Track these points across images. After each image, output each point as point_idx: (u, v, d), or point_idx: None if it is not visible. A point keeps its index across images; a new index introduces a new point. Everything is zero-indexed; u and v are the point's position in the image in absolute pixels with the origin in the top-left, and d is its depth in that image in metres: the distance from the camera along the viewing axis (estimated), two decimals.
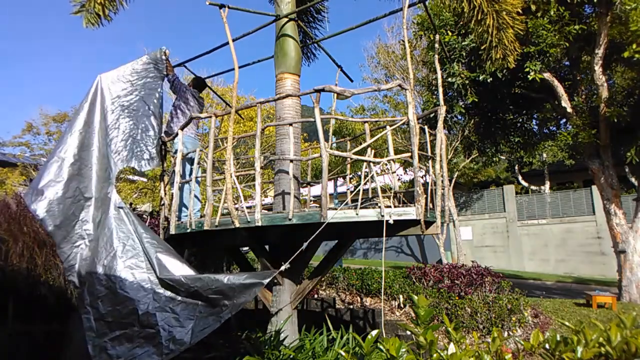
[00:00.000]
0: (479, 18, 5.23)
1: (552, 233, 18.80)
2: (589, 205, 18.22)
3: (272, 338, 4.16)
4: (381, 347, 1.93)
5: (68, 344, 4.19)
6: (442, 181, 4.21)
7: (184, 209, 5.12)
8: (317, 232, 3.48)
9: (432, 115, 8.56)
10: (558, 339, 2.07)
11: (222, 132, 14.31)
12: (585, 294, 9.17)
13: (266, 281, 3.07)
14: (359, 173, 6.27)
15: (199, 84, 5.81)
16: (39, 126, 18.25)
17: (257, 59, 6.70)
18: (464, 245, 18.79)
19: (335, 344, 4.30)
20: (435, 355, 1.88)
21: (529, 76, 8.87)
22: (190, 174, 5.09)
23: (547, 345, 2.09)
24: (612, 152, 9.80)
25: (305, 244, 3.55)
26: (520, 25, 5.40)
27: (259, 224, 3.83)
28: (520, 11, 5.43)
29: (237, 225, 3.87)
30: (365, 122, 5.30)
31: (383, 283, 8.58)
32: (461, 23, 8.85)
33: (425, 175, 4.59)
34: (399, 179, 16.35)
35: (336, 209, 3.77)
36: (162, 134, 4.98)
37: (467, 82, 9.42)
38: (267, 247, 5.15)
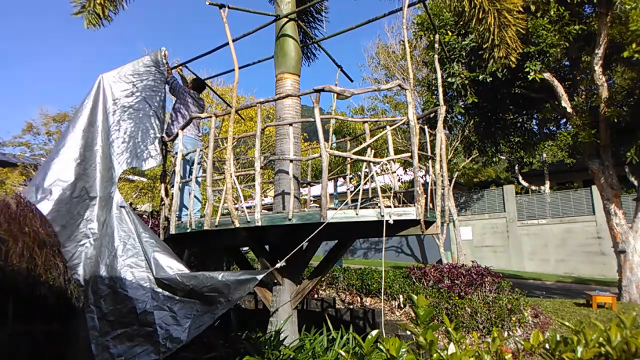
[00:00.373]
0: (480, 17, 5.23)
1: (552, 233, 18.80)
2: (589, 205, 18.22)
3: (272, 338, 4.16)
4: (381, 347, 1.93)
5: (73, 344, 4.19)
6: (442, 181, 4.21)
7: (184, 209, 5.13)
8: (317, 231, 3.48)
9: (432, 115, 8.56)
10: (558, 339, 2.07)
11: (222, 132, 14.31)
12: (585, 294, 9.17)
13: (260, 277, 3.09)
14: (359, 173, 6.27)
15: (198, 85, 5.81)
16: (39, 126, 18.26)
17: (257, 59, 6.70)
18: (464, 245, 18.79)
19: (335, 344, 4.30)
20: (435, 355, 1.88)
21: (529, 76, 8.87)
22: (190, 174, 5.10)
23: (547, 345, 2.09)
24: (612, 152, 9.80)
25: (304, 243, 3.55)
26: (522, 23, 5.40)
27: (259, 224, 3.83)
28: (522, 9, 5.43)
29: (237, 225, 3.87)
30: (365, 122, 5.31)
31: (383, 283, 8.58)
32: (461, 22, 8.85)
33: (425, 175, 4.59)
34: (399, 179, 16.35)
35: (336, 209, 3.77)
36: (163, 135, 4.99)
37: (467, 82, 9.42)
38: (267, 247, 5.15)
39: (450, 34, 9.45)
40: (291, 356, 3.76)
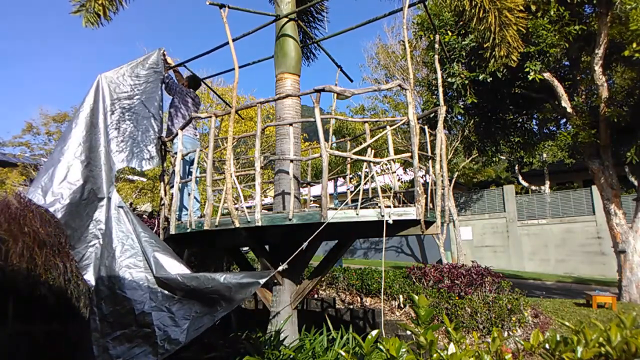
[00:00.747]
0: (480, 16, 5.23)
1: (552, 233, 18.80)
2: (589, 205, 18.22)
3: (272, 338, 4.16)
4: (381, 347, 1.93)
5: (74, 344, 4.19)
6: (442, 181, 4.21)
7: (184, 209, 5.13)
8: (317, 232, 3.48)
9: (432, 115, 8.56)
10: (558, 339, 2.07)
11: (222, 132, 14.31)
12: (585, 294, 9.17)
13: (263, 281, 3.08)
14: (359, 173, 6.26)
15: (194, 82, 5.81)
16: (39, 126, 18.26)
17: (257, 59, 6.70)
18: (464, 245, 18.79)
19: (335, 344, 4.30)
20: (435, 355, 1.88)
21: (529, 76, 8.87)
22: (189, 174, 5.10)
23: (547, 345, 2.09)
24: (612, 152, 9.80)
25: (305, 244, 3.55)
26: (523, 22, 5.40)
27: (259, 224, 3.83)
28: (522, 8, 5.43)
29: (237, 225, 3.87)
30: (365, 122, 5.31)
31: (383, 283, 8.58)
32: (462, 22, 8.85)
33: (425, 175, 4.59)
34: (399, 179, 16.35)
35: (336, 209, 3.77)
36: (162, 135, 4.98)
37: (467, 82, 9.42)
38: (267, 247, 5.15)
39: (450, 34, 9.45)
40: (291, 356, 3.76)
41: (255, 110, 7.01)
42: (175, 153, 4.89)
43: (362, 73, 30.92)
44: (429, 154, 4.37)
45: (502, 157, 16.62)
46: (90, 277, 3.74)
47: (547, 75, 9.61)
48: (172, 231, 4.46)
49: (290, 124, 4.25)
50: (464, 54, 9.37)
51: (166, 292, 3.43)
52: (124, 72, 4.77)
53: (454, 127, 12.36)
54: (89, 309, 3.60)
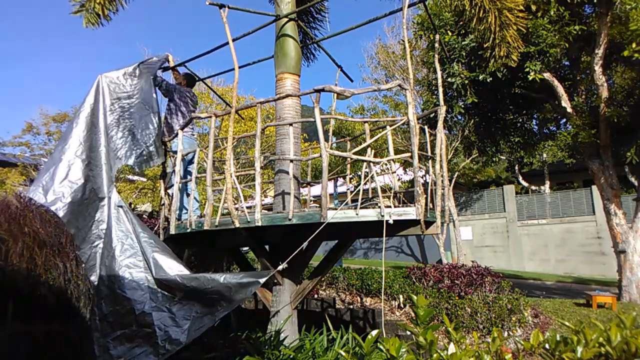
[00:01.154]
0: (480, 16, 5.23)
1: (552, 233, 18.80)
2: (589, 205, 18.22)
3: (272, 338, 4.16)
4: (381, 347, 1.93)
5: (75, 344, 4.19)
6: (442, 181, 4.21)
7: (183, 209, 5.12)
8: (317, 232, 3.48)
9: (432, 115, 8.56)
10: (558, 339, 2.06)
11: (222, 132, 14.31)
12: (585, 294, 9.17)
13: (262, 280, 3.08)
14: (359, 173, 6.26)
15: (191, 80, 5.81)
16: (39, 126, 18.26)
17: (257, 59, 6.70)
18: (464, 245, 18.78)
19: (335, 344, 4.30)
20: (435, 355, 1.88)
21: (529, 76, 8.87)
22: (188, 174, 5.10)
23: (547, 345, 2.09)
24: (612, 152, 9.80)
25: (305, 244, 3.55)
26: (523, 22, 5.40)
27: (259, 224, 3.83)
28: (522, 8, 5.43)
29: (237, 225, 3.87)
30: (365, 122, 5.30)
31: (383, 283, 8.58)
32: (462, 22, 8.85)
33: (425, 175, 4.59)
34: (399, 179, 16.35)
35: (336, 209, 3.77)
36: (163, 129, 5.00)
37: (467, 82, 9.42)
38: (267, 247, 5.15)
39: (450, 34, 9.45)
40: (291, 356, 3.76)
41: (255, 110, 7.01)
42: (174, 152, 4.90)
43: (362, 73, 30.97)
44: (429, 154, 4.37)
45: (502, 157, 16.62)
46: (95, 278, 3.74)
47: (547, 75, 9.61)
48: (172, 231, 4.46)
49: (290, 124, 4.25)
50: (464, 54, 9.37)
51: (167, 292, 3.42)
52: (124, 72, 4.78)
53: (454, 127, 12.36)
54: (90, 308, 3.60)
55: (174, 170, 4.77)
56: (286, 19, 5.26)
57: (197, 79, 5.92)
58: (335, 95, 5.28)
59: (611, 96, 9.41)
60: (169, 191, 5.02)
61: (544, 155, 22.56)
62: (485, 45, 5.66)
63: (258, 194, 3.94)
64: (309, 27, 6.93)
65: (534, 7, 8.79)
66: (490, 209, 20.43)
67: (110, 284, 3.57)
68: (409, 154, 3.76)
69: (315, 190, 12.82)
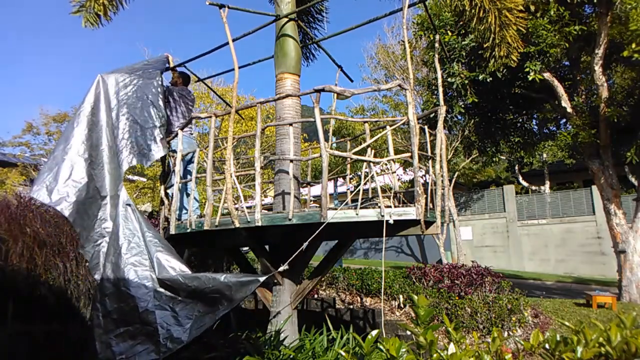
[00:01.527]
0: (480, 16, 5.23)
1: (552, 233, 18.80)
2: (589, 205, 18.22)
3: (272, 338, 4.16)
4: (381, 347, 1.93)
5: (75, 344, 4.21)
6: (442, 181, 4.21)
7: (184, 209, 5.13)
8: (317, 232, 3.48)
9: (432, 115, 8.55)
10: (558, 339, 2.07)
11: (222, 132, 14.31)
12: (585, 294, 9.17)
13: (262, 279, 3.10)
14: (359, 173, 6.26)
15: (184, 79, 5.81)
16: (39, 126, 18.27)
17: (257, 59, 6.70)
18: (464, 245, 18.79)
19: (335, 344, 4.30)
20: (435, 355, 1.88)
21: (529, 76, 8.87)
22: (188, 173, 5.10)
23: (547, 345, 2.09)
24: (612, 152, 9.80)
25: (305, 244, 3.55)
26: (522, 22, 5.41)
27: (259, 224, 3.83)
28: (522, 9, 5.44)
29: (237, 225, 3.87)
30: (365, 122, 5.30)
31: (383, 283, 8.58)
32: (462, 22, 8.85)
33: (425, 175, 4.59)
34: (399, 179, 16.35)
35: (336, 209, 3.77)
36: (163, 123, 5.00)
37: (467, 82, 9.42)
38: (267, 247, 5.15)
39: (450, 34, 9.45)
40: (291, 356, 3.76)
41: (255, 110, 7.01)
42: (173, 151, 4.90)
43: (362, 73, 30.97)
44: (429, 154, 4.37)
45: (502, 157, 16.61)
46: (99, 276, 3.76)
47: (547, 75, 9.61)
48: (172, 231, 4.47)
49: (290, 124, 4.25)
50: (464, 54, 9.37)
51: (170, 292, 3.44)
52: (124, 71, 4.77)
53: (454, 127, 12.36)
54: (92, 305, 3.62)
55: (173, 170, 4.77)
56: (286, 19, 5.26)
57: (191, 77, 5.90)
58: (335, 95, 5.28)
59: (611, 96, 9.42)
60: (169, 191, 5.02)
61: (544, 155, 22.57)
62: (485, 45, 5.66)
63: (258, 194, 3.94)
64: (309, 27, 6.93)
65: (533, 7, 8.79)
66: (490, 209, 20.43)
67: (115, 281, 3.58)
68: (409, 154, 3.76)
69: (315, 190, 12.82)
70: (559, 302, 9.27)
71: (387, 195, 4.41)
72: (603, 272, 16.93)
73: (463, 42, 9.25)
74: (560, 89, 9.88)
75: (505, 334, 6.72)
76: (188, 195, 5.00)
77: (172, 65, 5.49)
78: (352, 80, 6.72)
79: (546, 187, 21.82)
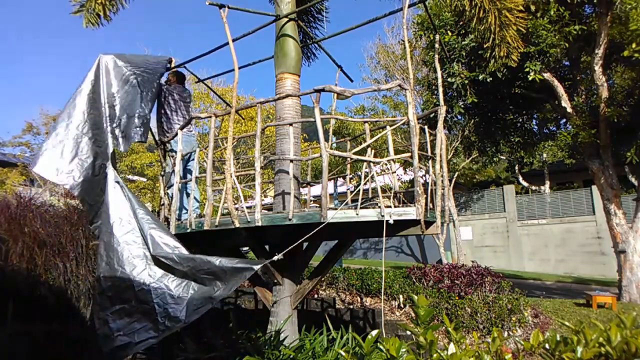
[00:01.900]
0: (480, 16, 5.23)
1: (552, 233, 18.80)
2: (589, 205, 18.22)
3: (272, 338, 4.16)
4: (381, 347, 1.93)
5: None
6: (442, 181, 4.21)
7: (183, 209, 5.13)
8: (316, 230, 3.48)
9: (432, 115, 8.55)
10: (558, 339, 2.07)
11: (222, 132, 14.31)
12: (585, 294, 9.17)
13: (257, 267, 3.11)
14: (359, 173, 6.26)
15: (179, 77, 5.81)
16: (39, 126, 18.30)
17: (257, 59, 6.70)
18: (464, 245, 18.79)
19: (335, 344, 4.30)
20: (435, 355, 1.88)
21: (529, 76, 8.87)
22: (188, 172, 5.11)
23: (547, 345, 2.09)
24: (612, 152, 9.80)
25: (303, 239, 3.56)
26: (523, 22, 5.40)
27: (259, 224, 3.83)
28: (522, 9, 5.44)
29: (237, 225, 3.87)
30: (365, 122, 5.30)
31: (383, 283, 8.58)
32: (462, 22, 8.86)
33: (425, 175, 4.59)
34: (399, 179, 16.35)
35: (336, 209, 3.77)
36: (161, 130, 5.00)
37: (467, 82, 9.42)
38: (267, 247, 5.15)
39: (450, 34, 9.45)
40: (291, 356, 3.76)
41: (255, 110, 7.01)
42: (171, 151, 4.90)
43: (362, 73, 31.00)
44: (429, 154, 4.36)
45: (502, 157, 16.62)
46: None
47: (547, 75, 9.61)
48: (172, 231, 4.46)
49: (290, 124, 4.25)
50: (464, 54, 9.37)
51: (164, 270, 3.46)
52: (127, 60, 4.76)
53: (454, 127, 12.37)
54: (92, 283, 3.67)
55: (173, 170, 4.77)
56: (286, 19, 5.26)
57: (190, 76, 5.90)
58: (335, 95, 5.28)
59: (611, 96, 9.42)
60: (169, 191, 5.02)
61: (544, 155, 22.57)
62: (485, 46, 5.66)
63: (258, 194, 3.94)
64: (309, 27, 6.92)
65: (533, 7, 8.79)
66: (490, 209, 20.43)
67: (108, 259, 3.61)
68: (409, 154, 3.76)
69: (315, 190, 12.82)
70: (559, 302, 9.27)
71: (387, 195, 4.41)
72: (603, 272, 16.93)
73: (463, 42, 9.25)
74: (560, 89, 9.88)
75: (505, 334, 6.72)
76: (188, 195, 5.00)
77: (172, 66, 5.49)
78: (352, 80, 6.72)
79: (546, 187, 21.82)
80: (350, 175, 6.36)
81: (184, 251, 3.46)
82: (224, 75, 19.32)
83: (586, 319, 7.24)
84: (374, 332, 2.07)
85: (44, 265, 5.14)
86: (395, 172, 5.94)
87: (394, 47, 19.27)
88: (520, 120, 11.93)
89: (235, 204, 4.10)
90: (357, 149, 4.05)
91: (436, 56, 5.29)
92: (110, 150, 4.17)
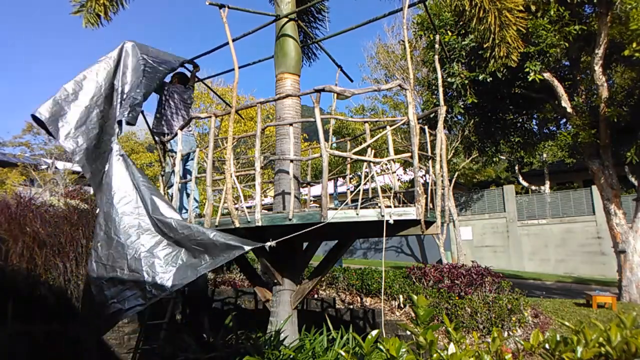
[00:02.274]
0: (480, 16, 5.23)
1: (552, 233, 18.80)
2: (589, 205, 18.22)
3: (272, 338, 4.16)
4: (381, 347, 1.93)
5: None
6: (442, 181, 4.21)
7: (183, 208, 5.13)
8: (315, 228, 3.48)
9: (432, 115, 8.55)
10: (558, 339, 2.07)
11: (222, 132, 14.31)
12: (585, 294, 9.17)
13: (247, 248, 3.19)
14: (359, 173, 6.26)
15: (181, 78, 5.81)
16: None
17: (257, 59, 6.70)
18: (464, 245, 18.79)
19: (335, 344, 4.30)
20: (435, 355, 1.88)
21: (529, 76, 8.87)
22: (188, 172, 5.11)
23: (547, 345, 2.09)
24: (612, 152, 9.80)
25: (301, 232, 3.56)
26: (523, 22, 5.40)
27: (259, 224, 3.83)
28: (522, 9, 5.44)
29: (237, 225, 3.87)
30: (365, 122, 5.30)
31: (383, 283, 8.58)
32: (462, 22, 8.85)
33: (425, 175, 4.59)
34: (399, 179, 16.35)
35: (336, 209, 3.77)
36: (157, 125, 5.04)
37: (467, 82, 9.42)
38: (267, 247, 5.15)
39: (450, 34, 9.45)
40: (291, 356, 3.76)
41: (255, 110, 7.01)
42: (171, 151, 4.90)
43: (362, 73, 30.97)
44: (429, 154, 4.36)
45: (502, 157, 16.61)
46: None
47: (547, 75, 9.61)
48: None
49: (290, 124, 4.25)
50: (464, 54, 9.37)
51: (157, 238, 3.57)
52: (145, 47, 4.87)
53: (454, 127, 12.36)
54: (92, 250, 3.82)
55: (173, 170, 4.77)
56: (286, 19, 5.26)
57: (188, 78, 5.90)
58: (335, 95, 5.28)
59: (611, 96, 9.41)
60: (169, 191, 5.02)
61: (544, 155, 22.57)
62: (485, 45, 5.66)
63: (258, 194, 3.94)
64: (309, 27, 6.92)
65: (533, 7, 8.79)
66: (490, 209, 20.43)
67: (107, 229, 3.74)
68: (409, 154, 3.76)
69: (315, 190, 12.82)
70: (559, 302, 9.27)
71: (387, 195, 4.41)
72: (603, 272, 16.93)
73: (463, 42, 9.25)
74: (560, 89, 9.88)
75: (505, 334, 6.72)
76: (188, 195, 5.00)
77: (194, 72, 5.63)
78: (352, 80, 6.72)
79: (546, 187, 21.82)
80: (350, 175, 6.36)
81: (181, 219, 3.56)
82: (224, 75, 19.34)
83: (586, 319, 7.24)
84: (374, 332, 2.07)
85: (44, 265, 5.14)
86: (395, 172, 5.94)
87: (394, 47, 19.27)
88: (520, 120, 11.93)
89: (235, 204, 4.10)
90: (357, 149, 4.05)
91: (436, 56, 5.29)
92: (117, 127, 4.26)
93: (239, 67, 4.37)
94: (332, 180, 7.29)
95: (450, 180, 17.62)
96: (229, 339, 4.39)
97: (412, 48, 16.02)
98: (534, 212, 19.51)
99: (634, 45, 7.85)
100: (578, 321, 2.45)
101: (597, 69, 9.15)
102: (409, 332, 5.97)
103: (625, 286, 9.48)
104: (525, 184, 22.66)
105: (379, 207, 3.61)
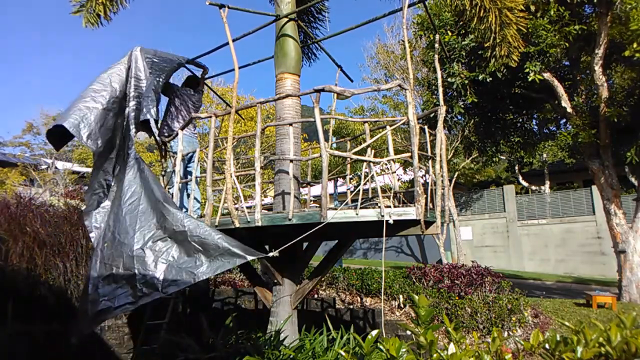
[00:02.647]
0: (481, 15, 5.23)
1: (552, 233, 18.80)
2: (589, 205, 18.22)
3: (272, 338, 4.16)
4: (381, 347, 1.93)
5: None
6: (442, 181, 4.21)
7: (183, 208, 5.13)
8: (315, 229, 3.48)
9: (432, 115, 8.55)
10: (558, 339, 2.07)
11: (222, 132, 14.31)
12: (585, 294, 9.17)
13: (249, 258, 3.12)
14: (359, 173, 6.26)
15: (191, 82, 5.81)
16: (39, 126, 18.31)
17: (257, 59, 6.69)
18: (464, 245, 18.79)
19: (335, 344, 4.30)
20: (435, 355, 1.88)
21: (529, 76, 8.87)
22: (189, 173, 5.11)
23: (547, 345, 2.09)
24: (612, 152, 9.80)
25: (303, 237, 3.55)
26: (523, 22, 5.40)
27: (259, 224, 3.83)
28: (523, 8, 5.44)
29: (237, 225, 3.87)
30: (365, 122, 5.30)
31: (383, 283, 8.58)
32: (462, 22, 8.85)
33: (425, 175, 4.59)
34: (398, 179, 16.34)
35: (336, 209, 3.77)
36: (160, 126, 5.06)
37: (467, 82, 9.41)
38: (267, 247, 5.15)
39: (450, 34, 9.45)
40: (291, 356, 3.76)
41: (255, 110, 7.01)
42: (174, 151, 4.89)
43: (362, 73, 30.98)
44: (429, 154, 4.36)
45: (502, 157, 16.62)
46: (89, 223, 4.05)
47: (547, 75, 9.60)
48: None
49: (290, 124, 4.25)
50: (464, 54, 9.37)
51: (152, 232, 3.52)
52: (151, 51, 5.00)
53: (454, 127, 12.36)
54: (93, 251, 3.83)
55: (173, 170, 4.77)
56: (286, 19, 5.26)
57: (198, 81, 5.90)
58: (335, 95, 5.28)
59: (611, 96, 9.41)
60: (170, 191, 5.02)
61: (544, 155, 22.57)
62: (485, 45, 5.65)
63: (258, 194, 3.94)
64: (309, 27, 6.92)
65: (533, 7, 8.79)
66: (490, 209, 20.43)
67: (113, 229, 3.76)
68: (409, 154, 3.76)
69: (315, 190, 12.81)
70: (559, 302, 9.27)
71: (387, 195, 4.41)
72: (603, 272, 16.93)
73: (463, 42, 9.24)
74: (560, 89, 9.88)
75: (505, 334, 6.72)
76: (189, 195, 5.00)
77: (204, 75, 5.77)
78: (352, 80, 6.72)
79: (546, 187, 21.82)
80: (350, 176, 6.36)
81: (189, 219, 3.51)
82: (224, 75, 19.32)
83: (586, 319, 7.24)
84: (374, 332, 2.07)
85: (44, 265, 5.14)
86: (395, 172, 5.94)
87: (394, 47, 19.28)
88: (520, 120, 11.93)
89: (235, 204, 4.10)
90: (357, 149, 4.05)
91: (436, 56, 5.29)
92: (133, 128, 4.34)
93: (239, 67, 4.37)
94: (332, 181, 7.29)
95: (450, 180, 17.62)
96: (229, 339, 4.39)
97: (412, 48, 16.01)
98: (534, 212, 19.51)
99: (634, 45, 7.85)
100: (578, 321, 2.45)
101: (597, 69, 9.15)
102: (409, 332, 5.97)
103: (625, 286, 9.48)
104: (525, 184, 22.66)
105: (379, 207, 3.61)
